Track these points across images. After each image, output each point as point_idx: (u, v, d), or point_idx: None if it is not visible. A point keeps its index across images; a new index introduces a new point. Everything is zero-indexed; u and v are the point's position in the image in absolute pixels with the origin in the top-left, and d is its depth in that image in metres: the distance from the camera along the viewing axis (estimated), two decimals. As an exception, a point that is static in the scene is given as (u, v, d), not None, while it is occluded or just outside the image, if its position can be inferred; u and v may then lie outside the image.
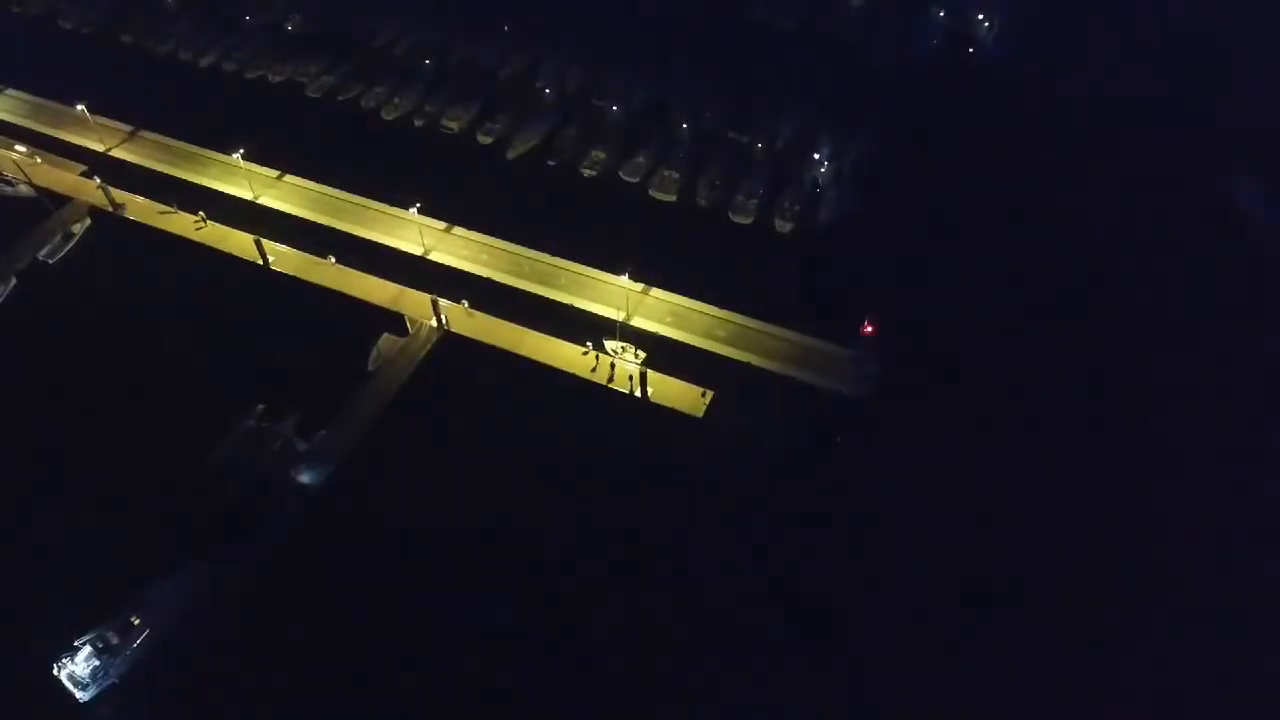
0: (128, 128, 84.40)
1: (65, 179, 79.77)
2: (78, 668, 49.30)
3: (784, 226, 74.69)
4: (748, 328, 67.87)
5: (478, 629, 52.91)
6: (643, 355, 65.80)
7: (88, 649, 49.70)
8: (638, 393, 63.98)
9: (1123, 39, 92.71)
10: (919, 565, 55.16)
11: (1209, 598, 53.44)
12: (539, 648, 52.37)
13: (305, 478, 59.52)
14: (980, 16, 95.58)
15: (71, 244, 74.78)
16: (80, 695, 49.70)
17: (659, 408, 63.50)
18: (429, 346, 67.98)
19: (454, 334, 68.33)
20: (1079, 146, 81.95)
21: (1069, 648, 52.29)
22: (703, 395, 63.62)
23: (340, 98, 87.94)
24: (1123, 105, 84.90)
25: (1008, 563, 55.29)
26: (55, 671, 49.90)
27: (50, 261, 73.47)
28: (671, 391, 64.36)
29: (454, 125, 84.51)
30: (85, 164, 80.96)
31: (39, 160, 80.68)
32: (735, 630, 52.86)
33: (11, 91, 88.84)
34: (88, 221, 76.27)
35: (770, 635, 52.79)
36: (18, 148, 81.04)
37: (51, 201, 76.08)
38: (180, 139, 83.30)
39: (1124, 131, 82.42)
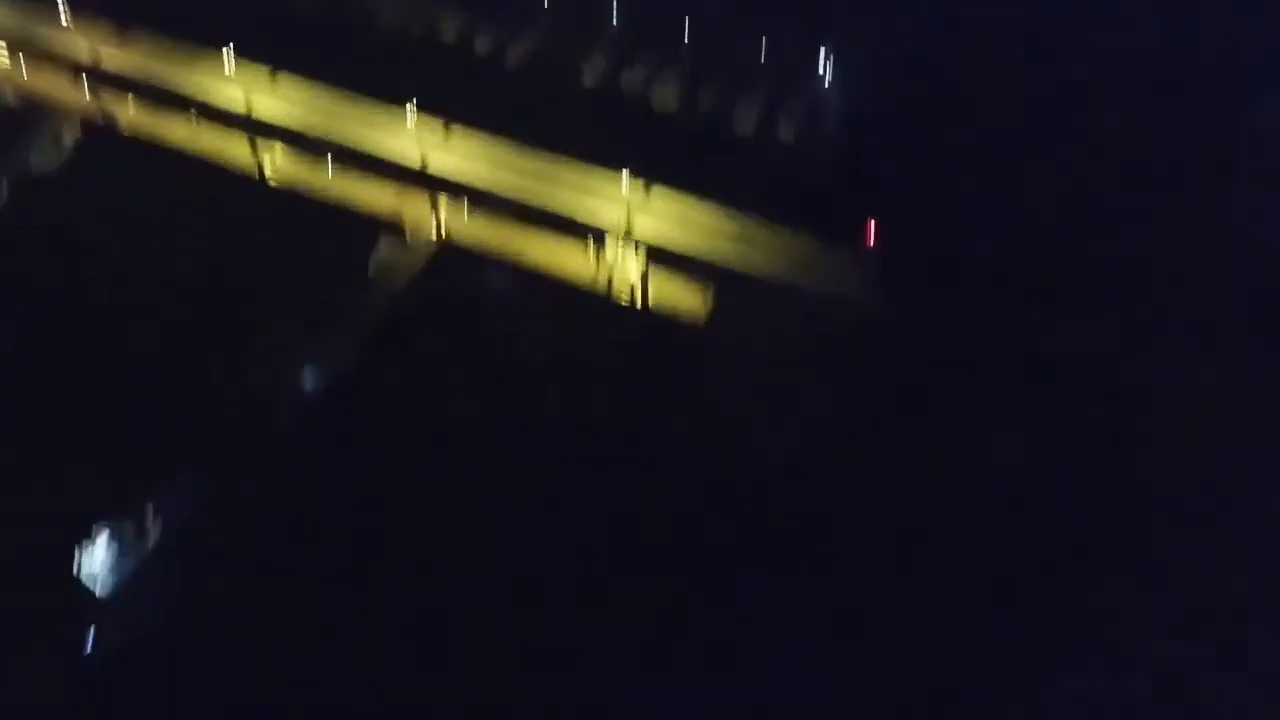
0: (112, 27, 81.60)
1: (46, 81, 77.60)
2: (95, 559, 50.01)
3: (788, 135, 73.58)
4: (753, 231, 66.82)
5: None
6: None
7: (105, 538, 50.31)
8: (639, 298, 64.01)
9: None
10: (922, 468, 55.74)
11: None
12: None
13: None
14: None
15: (59, 157, 73.26)
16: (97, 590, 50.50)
17: (661, 312, 63.46)
18: (429, 254, 67.63)
19: (453, 241, 67.91)
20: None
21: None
22: (706, 296, 63.22)
23: None
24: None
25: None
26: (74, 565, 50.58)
27: (37, 175, 72.07)
28: (674, 294, 64.04)
29: (450, 35, 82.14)
30: (72, 68, 78.31)
31: (21, 60, 78.45)
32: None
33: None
34: (76, 131, 74.68)
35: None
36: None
37: (37, 109, 74.37)
38: (169, 36, 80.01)
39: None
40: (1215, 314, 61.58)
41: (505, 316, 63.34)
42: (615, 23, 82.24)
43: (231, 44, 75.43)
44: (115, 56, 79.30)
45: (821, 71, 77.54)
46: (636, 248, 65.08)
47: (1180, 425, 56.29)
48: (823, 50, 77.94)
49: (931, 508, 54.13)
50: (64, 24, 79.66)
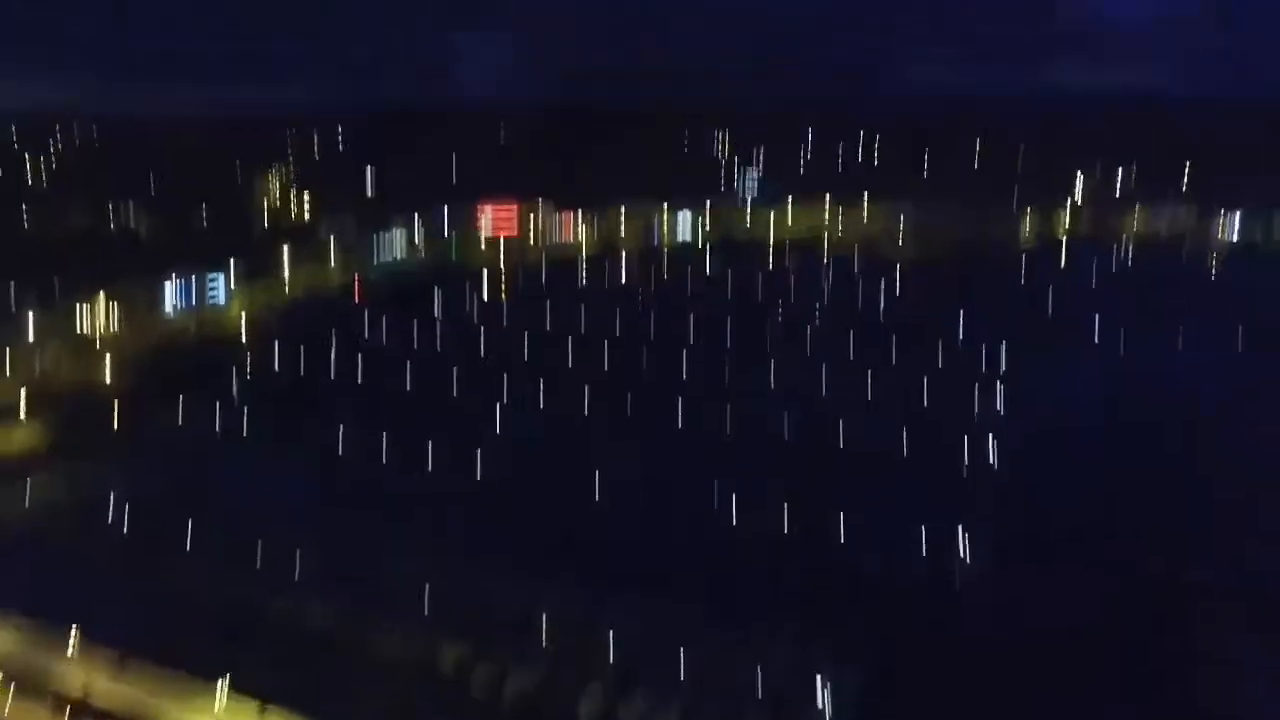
0: (114, 656, 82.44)
1: (33, 711, 76.17)
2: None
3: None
4: None
5: None
6: None
7: None
8: None
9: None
10: None
11: None
12: None
13: None
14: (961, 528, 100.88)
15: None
16: None
17: None
18: None
19: None
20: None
21: None
22: None
23: (338, 630, 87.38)
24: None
25: None
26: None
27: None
28: None
29: (451, 661, 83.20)
30: (59, 694, 77.67)
31: (11, 689, 77.90)
32: None
33: (5, 619, 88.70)
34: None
35: None
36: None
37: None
38: (168, 669, 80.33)
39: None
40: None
41: None
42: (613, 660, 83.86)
43: (228, 676, 75.51)
44: (107, 691, 79.10)
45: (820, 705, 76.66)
46: None
47: None
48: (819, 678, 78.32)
49: None
50: (68, 653, 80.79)
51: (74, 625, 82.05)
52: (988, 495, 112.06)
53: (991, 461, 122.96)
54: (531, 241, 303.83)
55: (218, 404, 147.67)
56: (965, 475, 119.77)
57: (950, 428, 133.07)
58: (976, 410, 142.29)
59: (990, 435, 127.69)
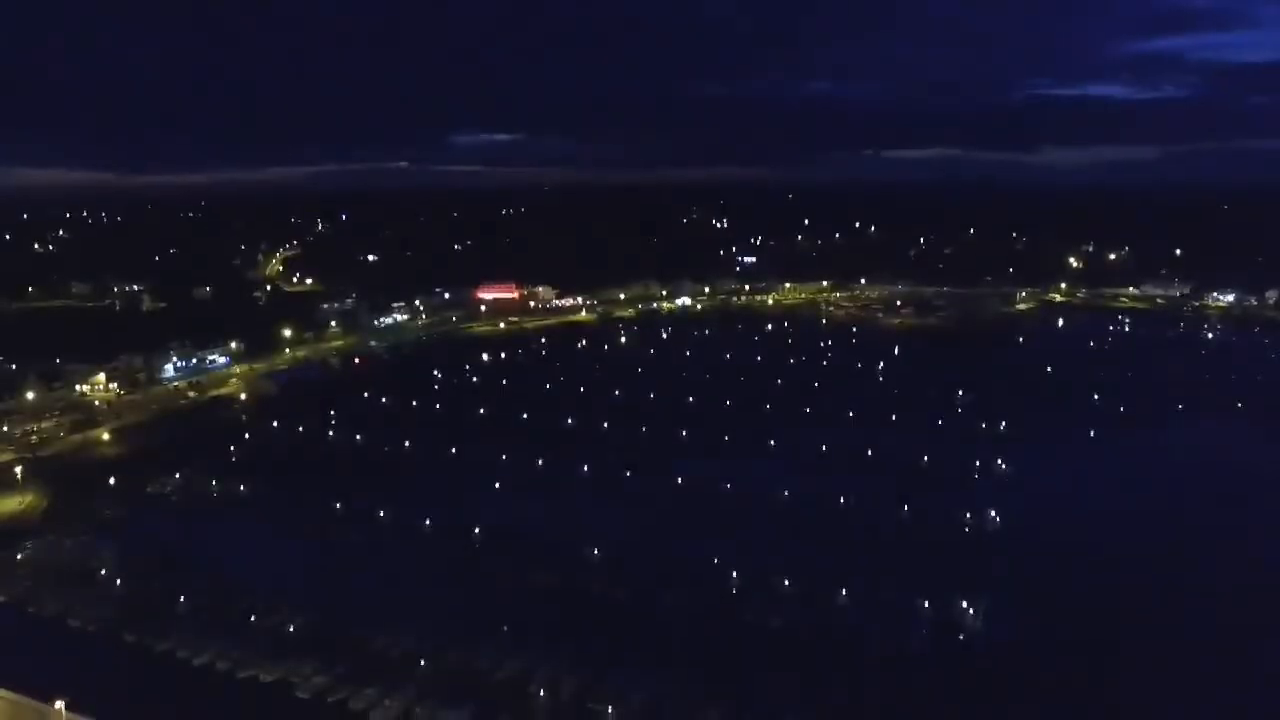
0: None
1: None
2: None
3: None
4: None
5: None
6: None
7: None
8: None
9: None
10: None
11: None
12: None
13: None
14: (964, 604, 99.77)
15: None
16: None
17: None
18: None
19: None
20: None
21: None
22: None
23: (330, 698, 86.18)
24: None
25: None
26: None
27: None
28: None
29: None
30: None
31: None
32: None
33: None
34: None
35: None
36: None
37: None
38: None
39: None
40: None
41: None
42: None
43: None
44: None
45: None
46: None
47: None
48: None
49: None
50: (60, 714, 78.88)
51: (61, 694, 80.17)
52: (984, 562, 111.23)
53: (988, 529, 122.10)
54: (531, 313, 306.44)
55: (215, 467, 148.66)
56: (962, 542, 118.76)
57: (948, 493, 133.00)
58: (976, 476, 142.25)
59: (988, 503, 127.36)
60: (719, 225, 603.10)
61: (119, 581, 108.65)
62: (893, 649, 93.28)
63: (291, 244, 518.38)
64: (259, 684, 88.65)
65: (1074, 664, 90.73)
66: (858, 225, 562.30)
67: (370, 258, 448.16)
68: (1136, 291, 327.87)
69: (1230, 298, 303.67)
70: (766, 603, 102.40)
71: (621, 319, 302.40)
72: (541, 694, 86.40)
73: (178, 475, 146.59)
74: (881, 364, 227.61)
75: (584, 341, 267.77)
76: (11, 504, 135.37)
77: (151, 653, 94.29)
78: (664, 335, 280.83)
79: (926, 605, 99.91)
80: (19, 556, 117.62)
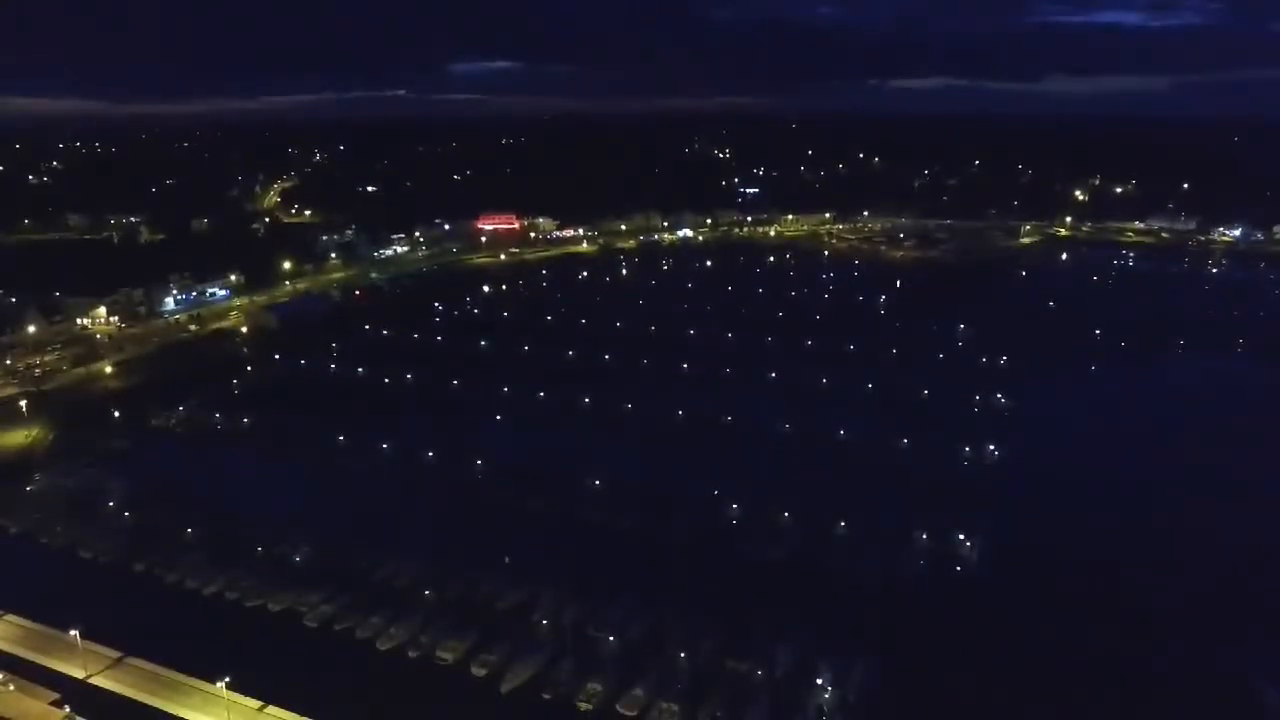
0: (115, 654, 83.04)
1: (33, 708, 76.28)
2: None
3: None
4: None
5: None
6: None
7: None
8: None
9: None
10: None
11: None
12: None
13: None
14: (961, 536, 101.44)
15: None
16: None
17: None
18: None
19: None
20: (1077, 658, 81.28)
21: None
22: None
23: (337, 626, 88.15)
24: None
25: None
26: None
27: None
28: None
29: (449, 656, 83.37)
30: (59, 691, 78.04)
31: (12, 688, 78.20)
32: None
33: (10, 617, 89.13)
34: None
35: None
36: (-6, 675, 79.09)
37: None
38: (168, 667, 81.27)
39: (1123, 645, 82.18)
40: None
41: None
42: (611, 652, 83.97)
43: (226, 679, 75.75)
44: (108, 689, 79.51)
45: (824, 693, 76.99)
46: None
47: None
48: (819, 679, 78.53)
49: None
50: (70, 651, 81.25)
51: (76, 623, 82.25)
52: (984, 499, 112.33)
53: (989, 464, 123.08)
54: (532, 244, 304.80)
55: (218, 400, 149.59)
56: (962, 478, 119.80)
57: (948, 427, 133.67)
58: (976, 412, 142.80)
59: (990, 438, 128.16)
60: (721, 155, 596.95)
61: (127, 513, 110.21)
62: (890, 577, 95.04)
63: (289, 174, 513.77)
64: (267, 613, 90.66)
65: (1067, 586, 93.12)
66: (861, 156, 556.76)
67: (369, 188, 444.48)
68: (1142, 226, 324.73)
69: (1237, 233, 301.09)
70: (766, 533, 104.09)
71: (623, 250, 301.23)
72: (544, 623, 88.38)
73: (181, 408, 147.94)
74: (883, 297, 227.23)
75: (585, 273, 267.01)
76: (18, 437, 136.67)
77: (162, 582, 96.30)
78: (665, 267, 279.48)
79: (924, 536, 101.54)
80: (28, 489, 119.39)
